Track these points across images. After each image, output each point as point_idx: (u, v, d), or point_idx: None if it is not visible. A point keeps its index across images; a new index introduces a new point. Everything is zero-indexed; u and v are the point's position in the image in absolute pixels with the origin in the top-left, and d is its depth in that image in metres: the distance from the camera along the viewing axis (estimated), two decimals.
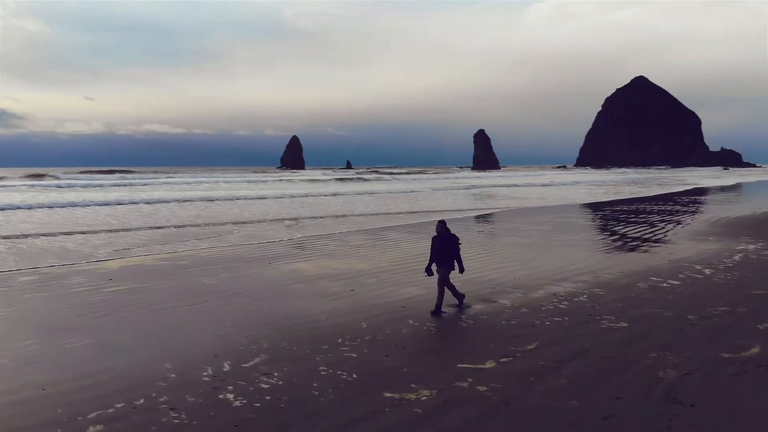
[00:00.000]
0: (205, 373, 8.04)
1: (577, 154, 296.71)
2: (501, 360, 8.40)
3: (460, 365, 8.21)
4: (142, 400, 7.11)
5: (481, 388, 7.34)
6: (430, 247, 11.94)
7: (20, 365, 8.53)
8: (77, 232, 24.09)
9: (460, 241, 11.90)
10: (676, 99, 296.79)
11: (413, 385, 7.47)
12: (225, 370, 8.17)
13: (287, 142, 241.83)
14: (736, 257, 17.31)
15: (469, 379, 7.64)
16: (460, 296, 11.84)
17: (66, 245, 20.63)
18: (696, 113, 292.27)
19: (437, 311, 11.21)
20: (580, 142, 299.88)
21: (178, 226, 26.53)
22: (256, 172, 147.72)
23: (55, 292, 13.44)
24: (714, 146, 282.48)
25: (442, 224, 11.96)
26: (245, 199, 46.18)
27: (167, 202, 42.04)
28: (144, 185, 66.38)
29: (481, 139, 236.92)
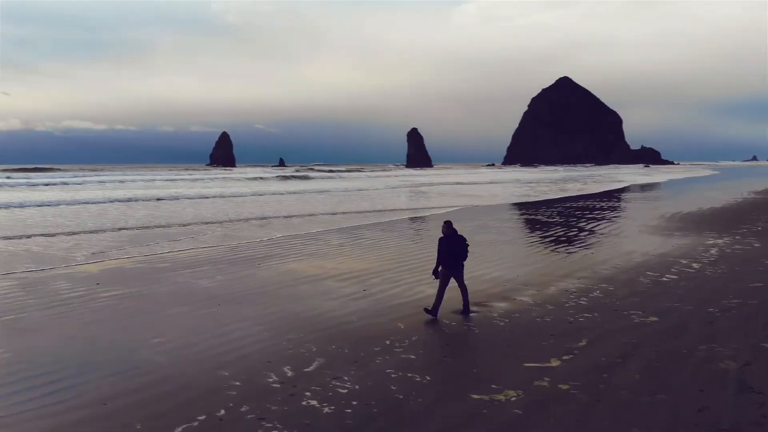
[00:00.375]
0: (270, 380, 7.73)
1: (504, 153, 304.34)
2: (564, 358, 8.48)
3: (526, 364, 8.23)
4: (223, 411, 6.76)
5: (564, 387, 7.38)
6: (437, 248, 11.47)
7: (60, 379, 7.93)
8: (36, 235, 22.69)
9: (467, 242, 11.55)
10: (598, 99, 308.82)
11: (494, 386, 7.42)
12: (289, 375, 7.89)
13: (215, 139, 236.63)
14: (713, 252, 18.14)
15: (546, 378, 7.67)
16: (437, 308, 10.90)
17: (31, 248, 19.42)
18: (617, 113, 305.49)
19: (466, 312, 11.18)
20: (508, 141, 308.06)
21: (143, 227, 25.42)
22: (187, 169, 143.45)
23: (45, 298, 12.58)
24: (634, 144, 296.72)
25: (448, 225, 11.49)
26: (194, 198, 44.82)
27: (112, 201, 40.27)
28: (79, 184, 63.32)
29: (414, 137, 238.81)
